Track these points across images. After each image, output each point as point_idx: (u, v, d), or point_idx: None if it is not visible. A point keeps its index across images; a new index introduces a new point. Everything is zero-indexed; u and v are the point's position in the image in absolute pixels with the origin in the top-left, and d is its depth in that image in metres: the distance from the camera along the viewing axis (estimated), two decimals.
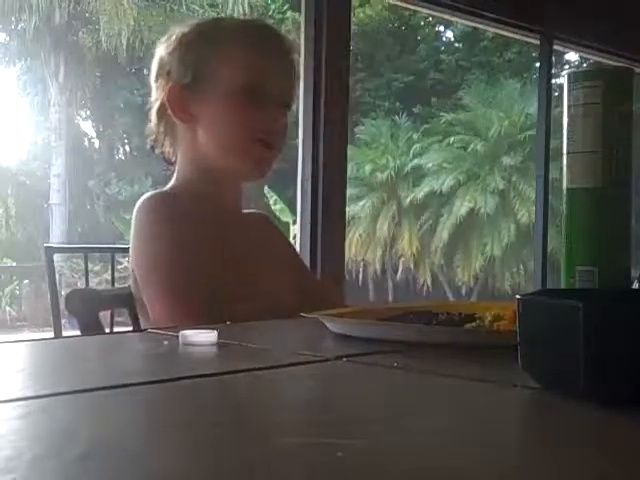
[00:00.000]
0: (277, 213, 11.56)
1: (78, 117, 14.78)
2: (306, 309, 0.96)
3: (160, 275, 1.27)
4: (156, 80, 1.36)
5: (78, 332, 1.32)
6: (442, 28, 15.78)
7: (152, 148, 1.40)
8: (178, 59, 1.33)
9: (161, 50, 1.36)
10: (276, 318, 1.12)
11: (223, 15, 12.76)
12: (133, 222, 1.32)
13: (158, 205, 1.32)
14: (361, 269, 14.51)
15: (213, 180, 1.36)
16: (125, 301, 1.41)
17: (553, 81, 4.66)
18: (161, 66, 1.36)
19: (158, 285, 1.27)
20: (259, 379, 0.69)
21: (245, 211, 1.50)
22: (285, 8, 13.89)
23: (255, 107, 1.33)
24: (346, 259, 3.35)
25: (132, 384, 0.64)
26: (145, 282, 1.29)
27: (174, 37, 1.35)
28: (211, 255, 1.31)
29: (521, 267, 13.75)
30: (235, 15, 13.05)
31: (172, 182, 1.39)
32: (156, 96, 1.36)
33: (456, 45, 15.59)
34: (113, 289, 1.68)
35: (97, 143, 15.13)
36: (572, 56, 11.71)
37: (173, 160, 1.40)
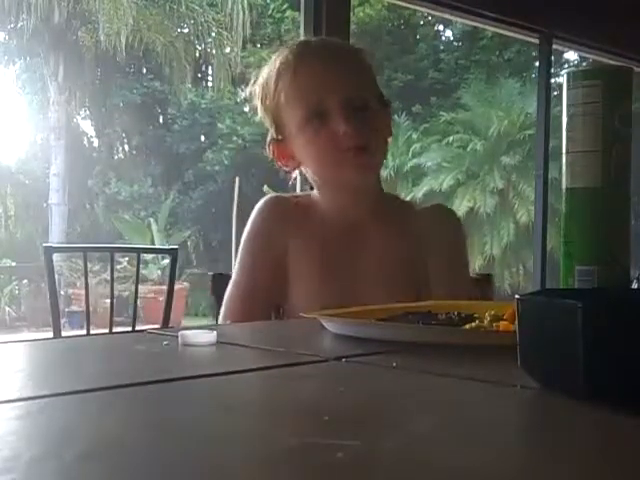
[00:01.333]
0: None
1: (77, 116, 14.76)
2: None
3: (236, 274, 1.46)
4: (268, 145, 1.49)
5: (78, 331, 1.33)
6: (441, 27, 15.77)
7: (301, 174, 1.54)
8: (264, 117, 1.46)
9: (259, 113, 1.48)
10: None
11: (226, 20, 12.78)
12: None
13: (267, 206, 1.46)
14: None
15: (331, 194, 1.47)
16: None
17: (552, 80, 4.67)
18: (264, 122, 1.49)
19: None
20: (259, 379, 0.69)
21: (424, 207, 1.58)
22: (284, 7, 13.88)
23: (323, 126, 1.38)
24: None
25: (131, 384, 0.64)
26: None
27: (254, 99, 1.47)
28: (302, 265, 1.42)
29: (520, 267, 13.74)
30: (235, 14, 13.05)
31: (309, 191, 1.55)
32: None
33: (455, 44, 15.58)
34: None
35: (96, 142, 15.12)
36: (571, 55, 11.71)
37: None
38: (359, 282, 1.40)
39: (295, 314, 1.35)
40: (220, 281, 1.55)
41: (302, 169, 1.48)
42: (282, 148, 1.46)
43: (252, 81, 1.48)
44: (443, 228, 1.51)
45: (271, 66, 1.44)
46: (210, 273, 1.70)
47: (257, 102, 1.46)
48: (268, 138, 1.47)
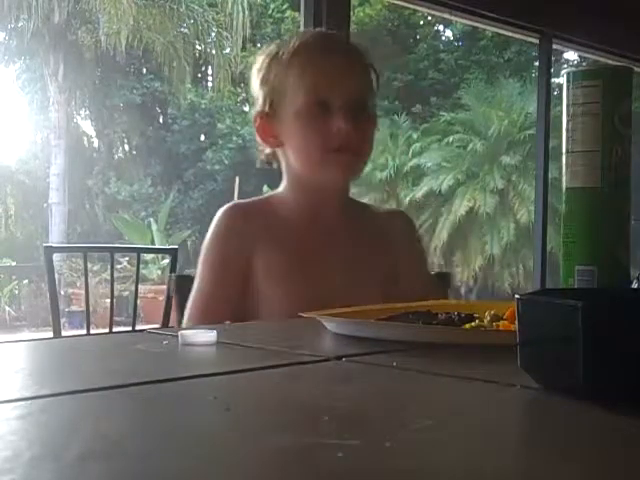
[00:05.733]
0: None
1: (77, 116, 14.76)
2: None
3: (197, 282, 1.44)
4: (254, 113, 1.47)
5: (78, 331, 1.34)
6: (441, 27, 15.77)
7: (269, 163, 1.51)
8: (259, 90, 1.44)
9: (252, 81, 1.47)
10: None
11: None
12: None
13: (223, 218, 1.45)
14: None
15: (303, 191, 1.46)
16: None
17: (552, 80, 4.67)
18: (254, 97, 1.47)
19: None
20: (259, 379, 0.69)
21: (381, 211, 1.62)
22: (285, 7, 13.88)
23: (322, 119, 1.38)
24: None
25: (131, 384, 0.64)
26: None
27: (254, 67, 1.46)
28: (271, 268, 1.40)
29: (520, 266, 13.73)
30: (235, 14, 13.05)
31: (272, 192, 1.53)
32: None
33: (455, 44, 15.58)
34: None
35: (96, 142, 15.11)
36: (571, 55, 11.71)
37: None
38: (328, 283, 1.40)
39: (264, 316, 1.37)
40: (183, 283, 1.53)
41: (280, 151, 1.46)
42: (269, 123, 1.43)
43: (263, 49, 1.47)
44: (408, 231, 1.58)
45: (289, 43, 1.43)
46: (172, 275, 1.69)
47: (259, 71, 1.44)
48: (256, 108, 1.45)
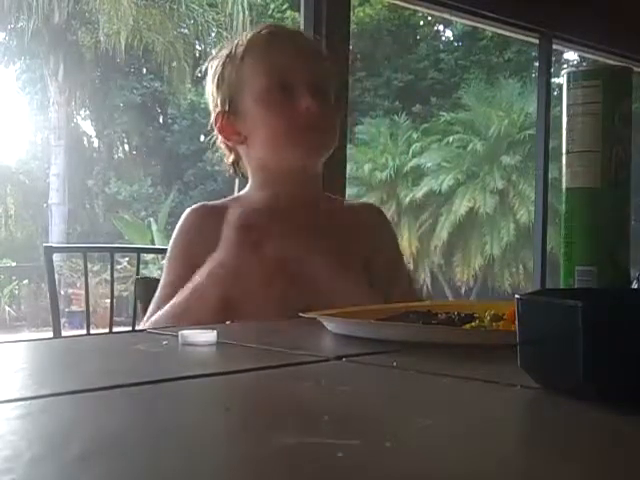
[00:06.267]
0: None
1: (77, 116, 14.77)
2: None
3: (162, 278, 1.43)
4: (214, 116, 1.44)
5: (78, 331, 1.34)
6: (441, 27, 15.78)
7: (235, 172, 1.49)
8: (216, 94, 1.42)
9: (207, 89, 1.45)
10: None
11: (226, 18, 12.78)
12: None
13: (189, 216, 1.44)
14: None
15: (272, 185, 1.41)
16: None
17: (552, 80, 4.67)
18: (212, 102, 1.44)
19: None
20: (259, 379, 0.69)
21: (353, 203, 1.60)
22: (284, 7, 13.88)
23: (284, 100, 1.36)
24: None
25: (131, 384, 0.64)
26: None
27: (208, 74, 1.44)
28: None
29: (520, 267, 13.74)
30: (235, 14, 13.05)
31: (239, 193, 1.49)
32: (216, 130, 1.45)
33: (455, 44, 15.59)
34: None
35: (96, 142, 15.12)
36: (571, 55, 11.72)
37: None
38: (302, 280, 1.34)
39: (237, 317, 1.30)
40: (146, 286, 1.50)
41: (242, 150, 1.43)
42: (229, 122, 1.40)
43: (214, 54, 1.45)
44: (380, 223, 1.54)
45: (240, 39, 1.42)
46: (138, 277, 1.66)
47: (213, 76, 1.41)
48: (215, 111, 1.42)
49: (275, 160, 1.40)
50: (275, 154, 1.39)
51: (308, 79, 1.37)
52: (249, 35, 1.42)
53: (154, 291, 1.41)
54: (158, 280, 1.44)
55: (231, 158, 1.46)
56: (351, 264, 1.41)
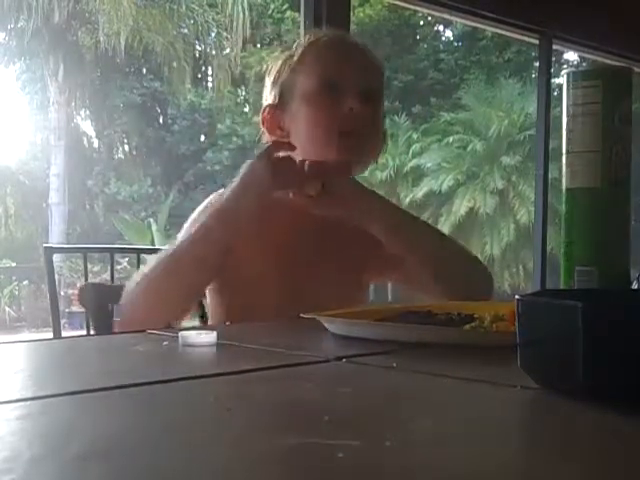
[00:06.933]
0: None
1: (77, 116, 14.77)
2: None
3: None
4: (262, 108, 1.46)
5: (78, 332, 1.33)
6: (441, 28, 15.78)
7: None
8: (271, 86, 1.44)
9: (264, 90, 1.47)
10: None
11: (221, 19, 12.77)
12: None
13: (207, 202, 1.42)
14: None
15: None
16: None
17: (552, 80, 4.66)
18: (264, 97, 1.46)
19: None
20: (259, 379, 0.69)
21: None
22: (284, 8, 13.88)
23: (329, 102, 1.37)
24: None
25: (131, 385, 0.64)
26: None
27: (266, 76, 1.47)
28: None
29: (520, 267, 13.74)
30: (235, 15, 13.05)
31: None
32: None
33: (455, 45, 15.59)
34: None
35: (96, 143, 15.13)
36: (571, 55, 11.72)
37: None
38: (313, 279, 1.38)
39: (239, 312, 1.33)
40: (92, 292, 1.45)
41: None
42: (275, 116, 1.43)
43: (275, 56, 1.49)
44: None
45: (300, 43, 1.46)
46: (87, 283, 1.60)
47: (270, 75, 1.45)
48: (265, 103, 1.44)
49: (308, 157, 1.38)
50: (309, 151, 1.39)
51: (357, 85, 1.39)
52: (311, 38, 1.45)
53: (103, 297, 1.39)
54: (108, 286, 1.41)
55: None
56: (350, 265, 1.43)
